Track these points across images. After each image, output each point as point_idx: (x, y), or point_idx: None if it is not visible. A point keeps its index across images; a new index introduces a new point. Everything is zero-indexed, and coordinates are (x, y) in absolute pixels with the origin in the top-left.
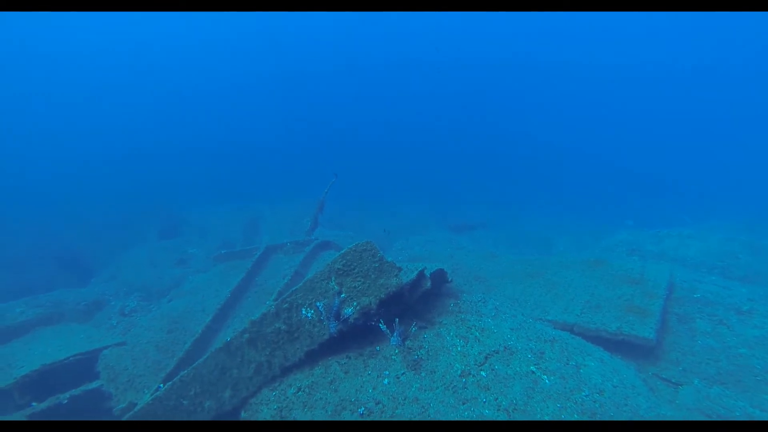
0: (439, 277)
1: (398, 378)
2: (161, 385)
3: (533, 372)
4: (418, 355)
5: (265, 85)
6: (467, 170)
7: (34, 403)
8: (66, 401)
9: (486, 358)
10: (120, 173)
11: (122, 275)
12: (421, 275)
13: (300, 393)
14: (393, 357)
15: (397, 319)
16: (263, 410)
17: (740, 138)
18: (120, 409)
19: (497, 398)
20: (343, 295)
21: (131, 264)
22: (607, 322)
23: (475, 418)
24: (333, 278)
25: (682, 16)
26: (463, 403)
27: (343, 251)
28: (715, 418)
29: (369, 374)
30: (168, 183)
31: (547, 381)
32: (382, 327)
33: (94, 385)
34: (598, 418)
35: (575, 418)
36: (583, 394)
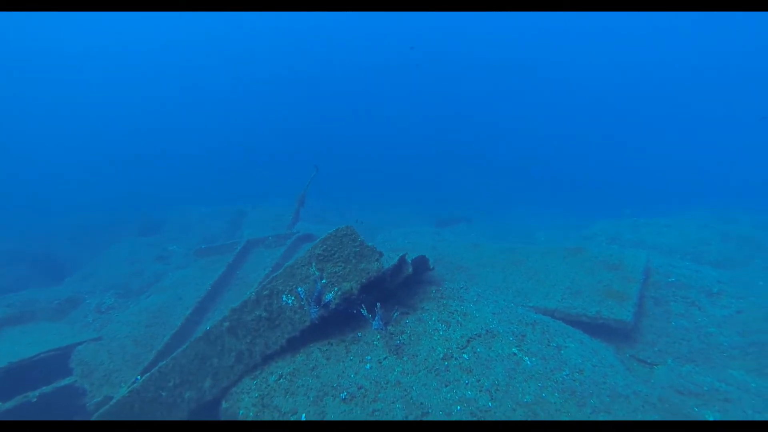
0: (421, 264)
1: (380, 362)
2: (139, 377)
3: (515, 354)
4: (400, 340)
5: (253, 85)
6: (454, 166)
7: None
8: (35, 399)
9: (468, 341)
10: (105, 175)
11: (99, 273)
12: (402, 261)
13: (281, 380)
14: (375, 342)
15: (378, 304)
16: (244, 399)
17: (736, 135)
18: (95, 404)
19: (479, 380)
20: (324, 281)
21: (109, 261)
22: (587, 306)
23: (457, 400)
24: (314, 264)
25: (674, 16)
26: (446, 386)
27: (323, 236)
28: (686, 394)
29: (351, 359)
30: (151, 184)
31: (528, 362)
32: (364, 312)
33: (66, 381)
34: (577, 396)
35: (556, 396)
36: (564, 373)
